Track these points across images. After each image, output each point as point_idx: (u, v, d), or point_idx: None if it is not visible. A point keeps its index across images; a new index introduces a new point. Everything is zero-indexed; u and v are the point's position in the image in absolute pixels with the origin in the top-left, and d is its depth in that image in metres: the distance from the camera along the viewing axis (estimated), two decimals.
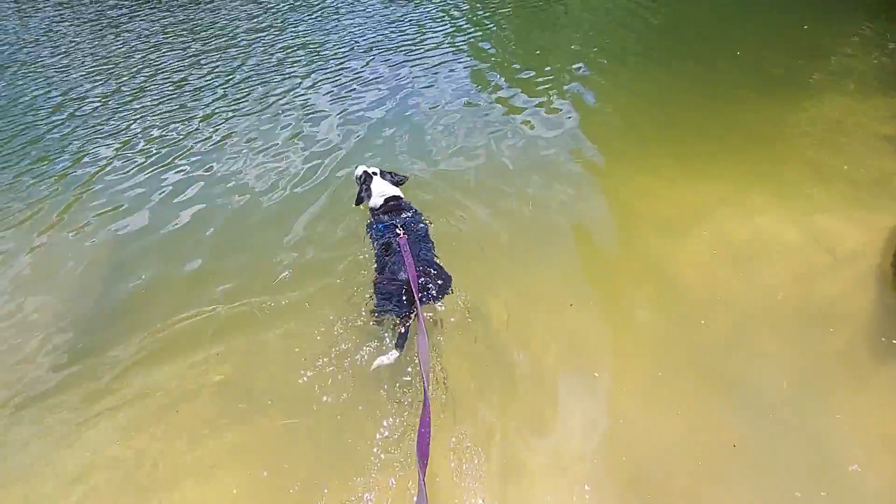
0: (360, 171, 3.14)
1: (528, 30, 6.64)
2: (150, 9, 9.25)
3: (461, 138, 4.13)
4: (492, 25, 6.77)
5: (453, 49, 6.02)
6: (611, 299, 2.60)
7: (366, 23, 7.36)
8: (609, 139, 4.02)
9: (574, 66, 5.28)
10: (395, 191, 2.95)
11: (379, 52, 6.19)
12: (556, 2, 7.49)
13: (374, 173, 3.07)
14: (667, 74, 5.02)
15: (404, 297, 2.18)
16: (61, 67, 6.77)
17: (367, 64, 5.85)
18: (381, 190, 2.93)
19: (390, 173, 3.14)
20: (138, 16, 8.86)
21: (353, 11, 7.98)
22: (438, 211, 3.16)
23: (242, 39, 7.20)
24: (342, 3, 8.46)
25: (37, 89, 6.14)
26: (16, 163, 4.55)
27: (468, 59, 5.76)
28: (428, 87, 5.12)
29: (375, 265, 2.48)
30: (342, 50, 6.38)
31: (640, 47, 5.82)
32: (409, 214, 2.76)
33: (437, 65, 5.59)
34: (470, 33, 6.56)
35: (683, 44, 5.81)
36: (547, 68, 5.26)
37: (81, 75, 6.43)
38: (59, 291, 2.96)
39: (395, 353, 2.12)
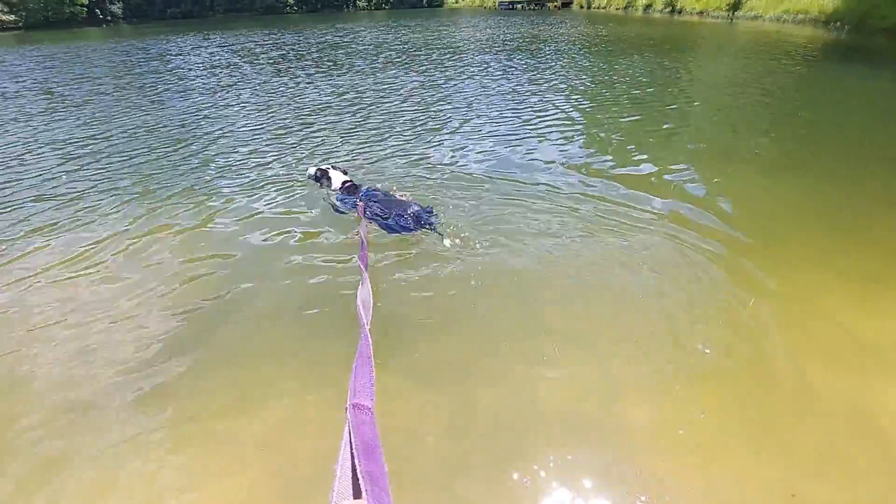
0: (312, 170, 3.95)
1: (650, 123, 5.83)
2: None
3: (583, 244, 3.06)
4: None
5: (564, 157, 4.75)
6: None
7: None
8: (765, 250, 2.99)
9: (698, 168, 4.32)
10: (347, 177, 3.89)
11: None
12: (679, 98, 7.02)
13: (328, 168, 3.90)
14: (815, 179, 4.13)
15: (411, 222, 3.17)
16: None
17: None
18: (339, 177, 3.83)
19: (339, 167, 3.99)
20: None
21: None
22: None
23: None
24: None
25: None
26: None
27: (593, 160, 4.61)
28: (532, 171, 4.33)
29: (371, 216, 3.29)
30: None
31: (779, 148, 4.88)
32: (365, 189, 3.66)
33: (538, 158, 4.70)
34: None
35: (827, 145, 4.94)
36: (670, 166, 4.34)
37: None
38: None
39: (448, 241, 3.07)
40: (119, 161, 5.13)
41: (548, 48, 12.90)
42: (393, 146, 5.22)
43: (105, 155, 5.34)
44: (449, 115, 6.49)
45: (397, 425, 1.88)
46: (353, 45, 15.63)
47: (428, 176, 4.27)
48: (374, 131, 5.86)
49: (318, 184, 3.92)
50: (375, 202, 3.38)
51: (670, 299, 2.51)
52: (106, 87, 9.99)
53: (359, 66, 11.18)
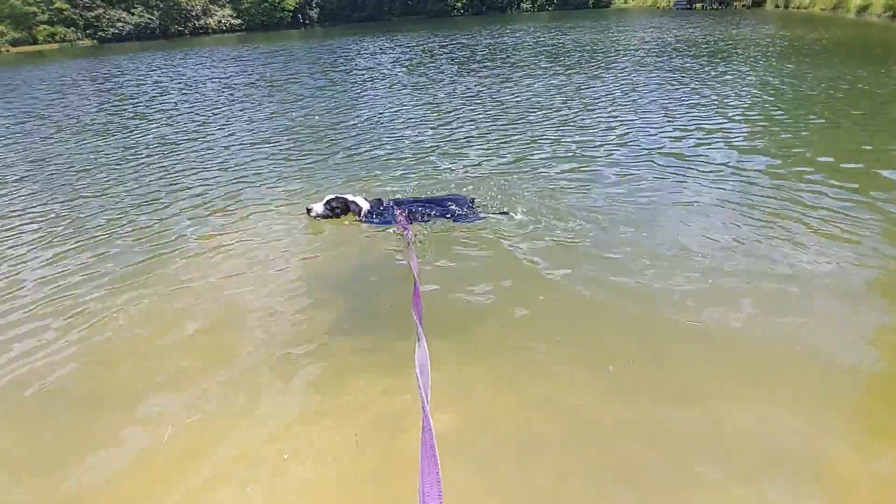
0: (319, 208, 3.79)
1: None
2: None
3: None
4: None
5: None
6: None
7: None
8: None
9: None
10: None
11: None
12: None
13: (341, 196, 3.86)
14: None
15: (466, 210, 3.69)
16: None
17: None
18: (360, 199, 3.84)
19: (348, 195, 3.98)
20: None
21: None
22: None
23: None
24: None
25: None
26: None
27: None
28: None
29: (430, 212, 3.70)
30: None
31: None
32: (389, 200, 3.91)
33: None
34: None
35: None
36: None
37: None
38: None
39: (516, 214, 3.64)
40: (316, 145, 6.27)
41: (735, 56, 11.93)
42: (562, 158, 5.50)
43: (307, 136, 6.57)
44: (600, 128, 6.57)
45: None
46: (534, 48, 16.11)
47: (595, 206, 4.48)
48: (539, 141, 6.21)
49: (335, 215, 3.80)
50: (415, 204, 3.76)
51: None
52: (304, 79, 11.91)
53: (527, 69, 11.63)
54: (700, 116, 6.46)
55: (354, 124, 7.27)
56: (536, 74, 10.61)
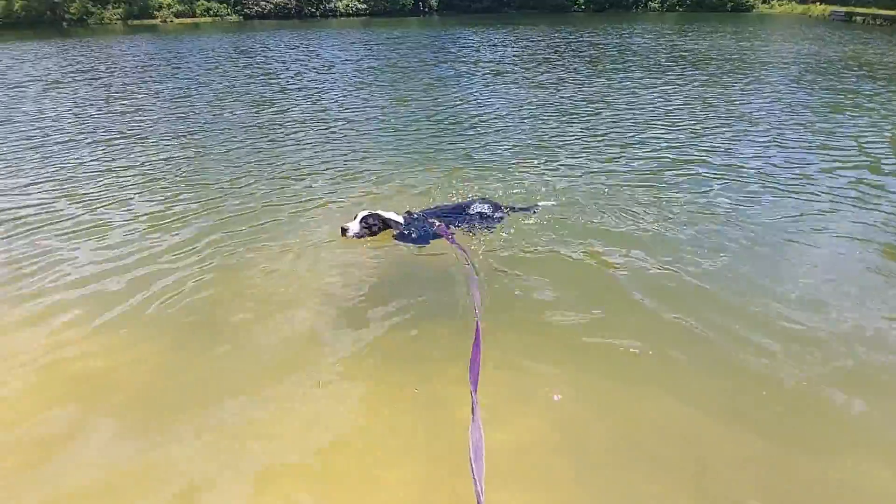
0: (355, 226, 3.51)
1: None
2: None
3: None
4: None
5: None
6: None
7: None
8: None
9: None
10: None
11: None
12: None
13: (375, 212, 3.58)
14: None
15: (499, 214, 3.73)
16: None
17: None
18: (392, 214, 3.59)
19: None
20: None
21: None
22: None
23: None
24: None
25: None
26: None
27: None
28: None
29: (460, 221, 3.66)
30: None
31: None
32: (419, 212, 3.75)
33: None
34: None
35: None
36: None
37: None
38: None
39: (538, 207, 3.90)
40: (437, 138, 6.29)
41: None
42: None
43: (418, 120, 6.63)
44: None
45: None
46: (670, 52, 15.19)
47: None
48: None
49: (372, 233, 3.53)
50: (450, 215, 3.64)
51: None
52: (431, 68, 12.09)
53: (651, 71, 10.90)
54: (873, 150, 5.65)
55: (480, 119, 7.27)
56: (677, 83, 9.92)
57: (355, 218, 3.54)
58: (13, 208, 4.27)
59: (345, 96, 9.12)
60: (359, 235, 3.51)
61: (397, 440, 2.05)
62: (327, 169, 5.22)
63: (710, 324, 2.68)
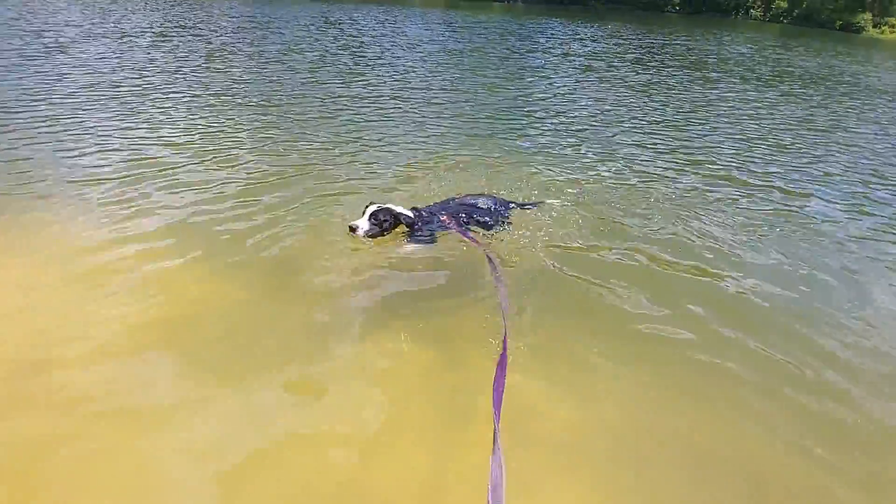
0: (364, 225, 3.14)
1: None
2: None
3: None
4: None
5: None
6: None
7: None
8: None
9: None
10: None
11: None
12: None
13: (385, 206, 3.21)
14: None
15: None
16: None
17: None
18: (402, 209, 3.26)
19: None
20: None
21: None
22: None
23: None
24: None
25: None
26: None
27: None
28: None
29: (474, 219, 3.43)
30: None
31: None
32: (425, 207, 3.46)
33: None
34: None
35: None
36: None
37: None
38: None
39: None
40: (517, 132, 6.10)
41: None
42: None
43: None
44: None
45: None
46: (776, 66, 14.19)
47: None
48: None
49: (383, 231, 3.17)
50: (459, 211, 3.40)
51: None
52: (518, 58, 11.82)
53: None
54: None
55: (567, 116, 7.03)
56: (782, 101, 9.21)
57: (363, 214, 3.17)
58: (121, 154, 4.52)
59: (431, 76, 9.10)
60: (370, 234, 3.12)
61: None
62: (410, 146, 5.24)
63: (785, 348, 2.55)
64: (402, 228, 3.23)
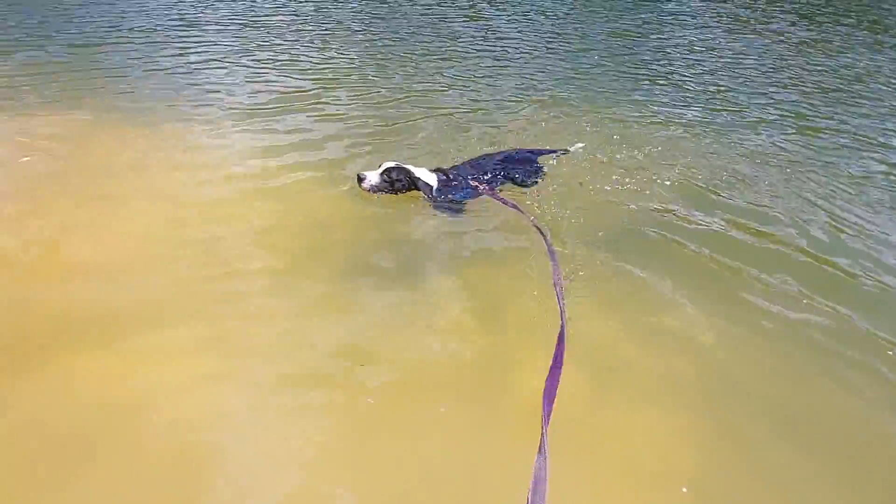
0: (374, 178, 3.02)
1: None
2: None
3: None
4: None
5: None
6: None
7: None
8: None
9: None
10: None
11: None
12: None
13: (404, 166, 3.07)
14: None
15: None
16: None
17: None
18: (425, 174, 3.10)
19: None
20: None
21: None
22: None
23: None
24: None
25: None
26: None
27: None
28: None
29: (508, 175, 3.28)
30: None
31: None
32: (452, 168, 3.29)
33: None
34: None
35: None
36: None
37: None
38: None
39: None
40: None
41: None
42: None
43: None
44: None
45: None
46: None
47: None
48: None
49: (393, 190, 3.03)
50: (490, 170, 3.21)
51: None
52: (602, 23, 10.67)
53: None
54: None
55: (705, 73, 6.38)
56: None
57: (377, 168, 3.06)
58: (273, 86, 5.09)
59: (560, 21, 8.67)
60: (375, 189, 3.02)
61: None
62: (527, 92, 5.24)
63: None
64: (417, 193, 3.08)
